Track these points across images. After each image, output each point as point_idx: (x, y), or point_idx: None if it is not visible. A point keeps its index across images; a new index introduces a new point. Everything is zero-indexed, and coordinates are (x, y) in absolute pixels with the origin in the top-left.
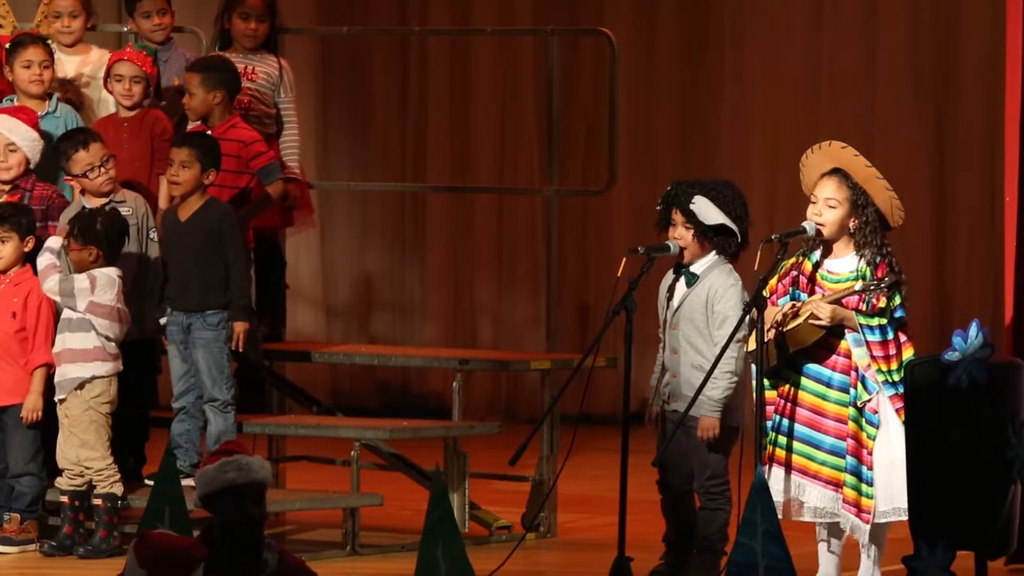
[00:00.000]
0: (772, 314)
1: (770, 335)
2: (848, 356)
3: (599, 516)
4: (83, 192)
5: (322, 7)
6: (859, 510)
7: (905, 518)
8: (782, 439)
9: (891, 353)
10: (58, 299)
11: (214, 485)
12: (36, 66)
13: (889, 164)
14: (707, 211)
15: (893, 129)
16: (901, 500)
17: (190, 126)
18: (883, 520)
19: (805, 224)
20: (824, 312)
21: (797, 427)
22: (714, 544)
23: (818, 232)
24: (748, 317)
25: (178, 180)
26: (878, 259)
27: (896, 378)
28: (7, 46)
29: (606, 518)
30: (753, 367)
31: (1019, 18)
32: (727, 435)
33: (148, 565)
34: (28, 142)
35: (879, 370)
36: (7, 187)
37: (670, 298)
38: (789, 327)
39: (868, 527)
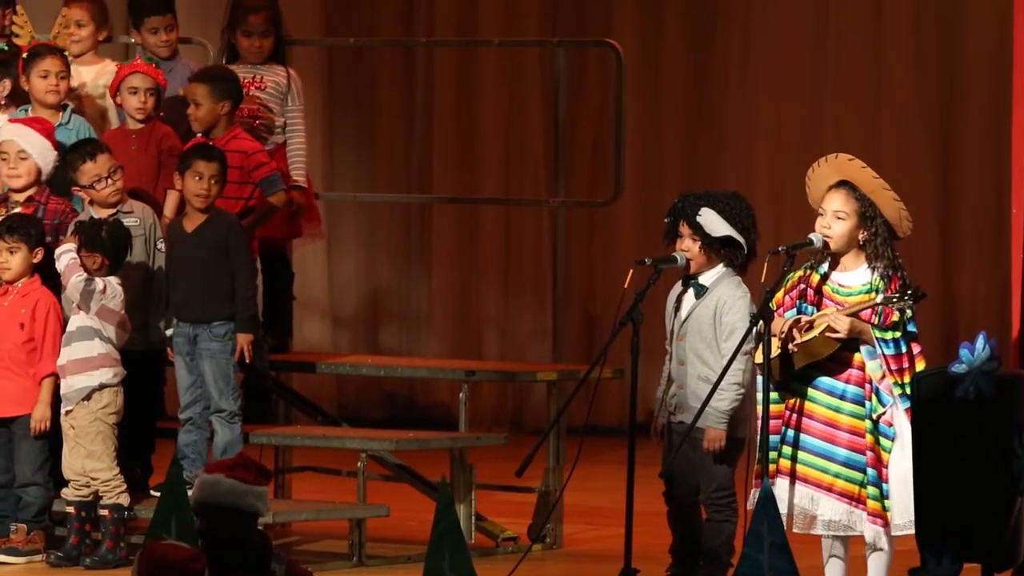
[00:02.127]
0: (778, 326)
1: (777, 348)
2: (861, 368)
3: (605, 527)
4: (91, 202)
5: (329, 19)
6: (885, 522)
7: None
8: (789, 450)
9: (905, 366)
10: (77, 297)
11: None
12: (53, 76)
13: (895, 174)
14: (714, 223)
15: (899, 140)
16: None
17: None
18: (899, 533)
19: (812, 236)
20: (842, 325)
21: (810, 440)
22: (720, 556)
23: (825, 244)
24: (755, 329)
25: (208, 195)
26: (891, 272)
27: (911, 391)
28: (24, 55)
29: (612, 529)
30: (759, 379)
31: None
32: (733, 447)
33: (146, 575)
34: (40, 151)
35: (896, 383)
36: (21, 198)
37: (677, 309)
38: (803, 339)
39: (888, 537)
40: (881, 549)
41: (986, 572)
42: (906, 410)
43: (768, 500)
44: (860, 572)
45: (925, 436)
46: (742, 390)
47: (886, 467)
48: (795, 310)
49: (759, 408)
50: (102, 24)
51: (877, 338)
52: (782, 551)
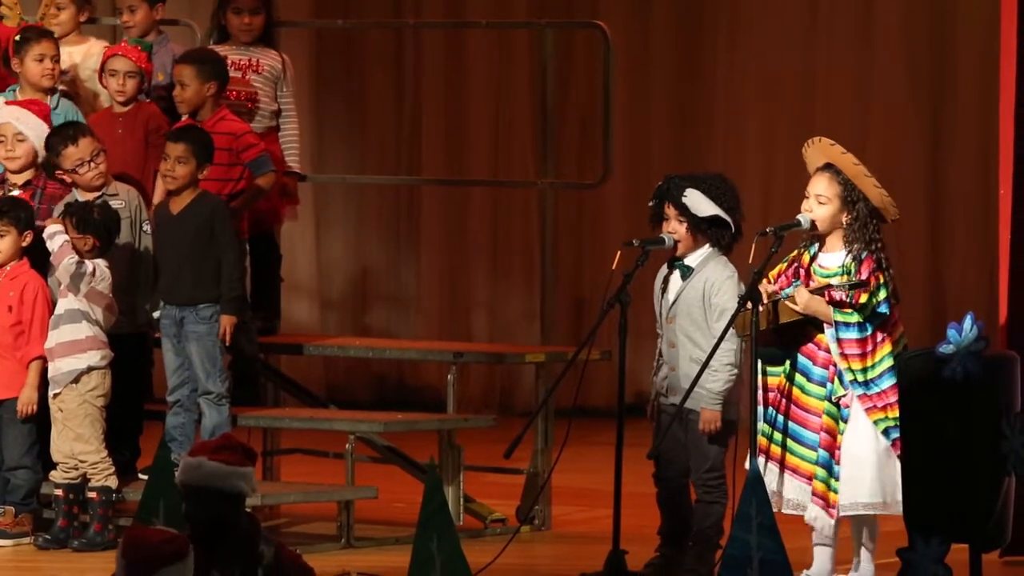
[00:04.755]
0: (767, 290)
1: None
2: (828, 351)
3: (594, 509)
4: (75, 185)
5: (317, 0)
6: (826, 504)
7: (864, 512)
8: (768, 430)
9: (867, 350)
10: (66, 279)
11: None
12: (48, 60)
13: (885, 157)
14: (699, 203)
15: (888, 122)
16: (862, 495)
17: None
18: (844, 514)
19: (800, 217)
20: (800, 298)
21: (780, 419)
22: (710, 537)
23: (813, 225)
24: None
25: (175, 175)
26: (864, 254)
27: (865, 377)
28: (15, 38)
29: (601, 511)
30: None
31: (1013, 12)
32: (726, 428)
33: (126, 558)
34: (38, 133)
35: (848, 368)
36: (19, 180)
37: (664, 291)
38: (769, 300)
39: (833, 521)
40: (825, 544)
41: (974, 552)
42: (859, 396)
43: (756, 481)
44: (847, 552)
45: (913, 417)
46: (735, 371)
47: (839, 449)
48: (791, 288)
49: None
50: (83, 5)
51: (838, 321)
52: (771, 532)
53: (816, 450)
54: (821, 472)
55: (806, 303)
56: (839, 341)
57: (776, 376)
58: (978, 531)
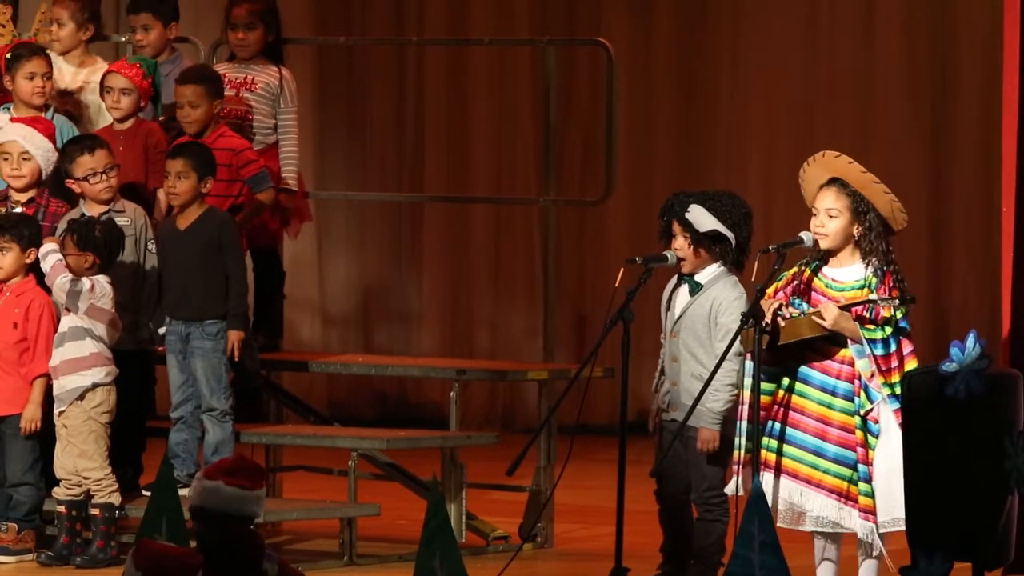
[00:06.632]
0: (770, 305)
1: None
2: (852, 364)
3: (596, 526)
4: (82, 198)
5: (320, 17)
6: (876, 519)
7: (902, 528)
8: (774, 444)
9: (894, 365)
10: (63, 298)
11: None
12: (39, 78)
13: (886, 174)
14: (700, 218)
15: (889, 139)
16: (899, 510)
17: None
18: (885, 530)
19: (802, 235)
20: (829, 314)
21: (801, 435)
22: (711, 555)
23: (816, 243)
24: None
25: (176, 191)
26: (884, 268)
27: (899, 391)
28: (8, 56)
29: (603, 528)
30: (746, 364)
31: (1016, 25)
32: (725, 447)
33: (144, 569)
34: (42, 152)
35: (884, 383)
36: (23, 198)
37: (671, 305)
38: (789, 317)
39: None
40: (872, 556)
41: (977, 571)
42: (895, 410)
43: (759, 499)
44: (852, 573)
45: (916, 435)
46: (736, 391)
47: (871, 465)
48: (804, 305)
49: (746, 393)
50: (85, 23)
51: (866, 338)
52: (773, 550)
53: (847, 466)
54: (865, 487)
55: (835, 319)
56: (875, 358)
57: (767, 395)
58: (981, 549)
